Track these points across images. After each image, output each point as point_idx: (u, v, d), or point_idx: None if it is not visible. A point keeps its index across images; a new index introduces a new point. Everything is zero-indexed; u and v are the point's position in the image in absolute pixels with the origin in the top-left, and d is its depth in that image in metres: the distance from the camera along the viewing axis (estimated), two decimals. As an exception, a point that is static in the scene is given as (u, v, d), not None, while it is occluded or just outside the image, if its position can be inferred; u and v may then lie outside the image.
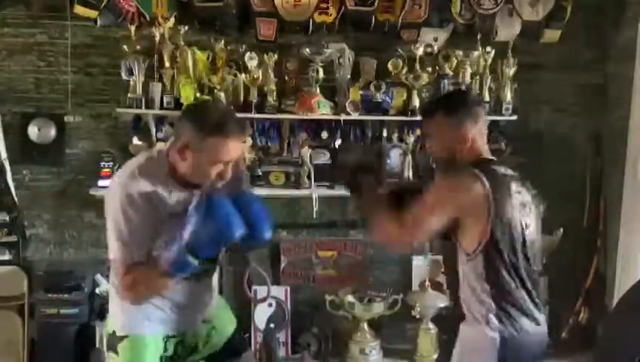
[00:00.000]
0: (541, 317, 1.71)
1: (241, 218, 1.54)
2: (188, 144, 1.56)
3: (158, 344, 1.72)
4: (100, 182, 3.07)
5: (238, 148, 1.61)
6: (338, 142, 3.30)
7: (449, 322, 2.77)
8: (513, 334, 1.63)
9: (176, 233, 1.52)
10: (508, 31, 3.27)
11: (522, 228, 1.66)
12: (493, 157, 1.79)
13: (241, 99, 3.17)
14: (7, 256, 3.07)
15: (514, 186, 1.68)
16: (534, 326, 1.68)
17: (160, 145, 3.09)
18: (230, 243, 1.57)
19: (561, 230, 3.21)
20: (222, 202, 1.54)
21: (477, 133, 1.76)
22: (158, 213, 1.58)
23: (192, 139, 1.55)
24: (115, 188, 1.58)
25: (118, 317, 1.72)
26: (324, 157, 3.33)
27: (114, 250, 1.56)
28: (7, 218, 3.05)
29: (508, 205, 1.63)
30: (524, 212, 1.68)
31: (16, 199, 3.08)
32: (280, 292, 3.31)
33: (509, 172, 1.73)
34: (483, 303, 1.65)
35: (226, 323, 1.94)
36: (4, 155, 3.07)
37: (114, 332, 1.71)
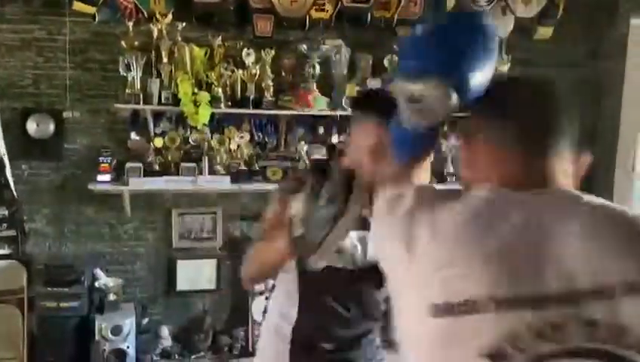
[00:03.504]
0: None
1: None
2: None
3: None
4: (99, 177, 3.09)
5: None
6: (335, 137, 3.34)
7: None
8: None
9: None
10: (501, 27, 3.30)
11: None
12: None
13: (239, 95, 3.20)
14: (6, 250, 3.07)
15: None
16: None
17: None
18: None
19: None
20: None
21: None
22: None
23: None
24: None
25: None
26: (320, 153, 3.37)
27: None
28: (6, 212, 3.05)
29: None
30: None
31: (15, 194, 3.09)
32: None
33: None
34: None
35: None
36: (4, 150, 3.07)
37: None
